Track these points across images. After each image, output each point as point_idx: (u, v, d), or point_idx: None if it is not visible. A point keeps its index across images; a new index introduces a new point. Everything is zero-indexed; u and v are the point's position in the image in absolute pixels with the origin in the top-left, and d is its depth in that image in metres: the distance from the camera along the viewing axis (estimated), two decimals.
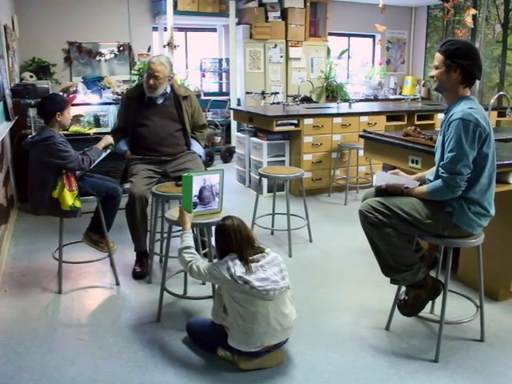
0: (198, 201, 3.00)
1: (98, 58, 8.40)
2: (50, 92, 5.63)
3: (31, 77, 7.24)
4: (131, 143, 4.03)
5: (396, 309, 2.99)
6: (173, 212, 3.13)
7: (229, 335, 2.66)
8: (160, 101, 3.98)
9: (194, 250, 2.82)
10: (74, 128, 5.34)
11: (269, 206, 4.91)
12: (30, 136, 3.59)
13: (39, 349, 2.84)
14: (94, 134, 5.09)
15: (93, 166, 3.58)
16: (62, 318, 3.24)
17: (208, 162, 7.57)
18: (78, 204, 3.42)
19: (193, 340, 2.89)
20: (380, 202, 2.75)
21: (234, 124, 8.40)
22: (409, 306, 2.89)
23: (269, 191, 6.03)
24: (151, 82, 3.83)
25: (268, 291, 2.53)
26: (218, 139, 8.41)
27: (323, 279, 3.83)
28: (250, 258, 2.61)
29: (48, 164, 3.38)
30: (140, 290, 3.61)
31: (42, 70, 7.75)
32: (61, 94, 5.04)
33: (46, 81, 7.02)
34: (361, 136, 4.31)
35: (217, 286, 2.84)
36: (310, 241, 4.59)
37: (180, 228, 2.96)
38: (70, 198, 3.37)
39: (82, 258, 3.91)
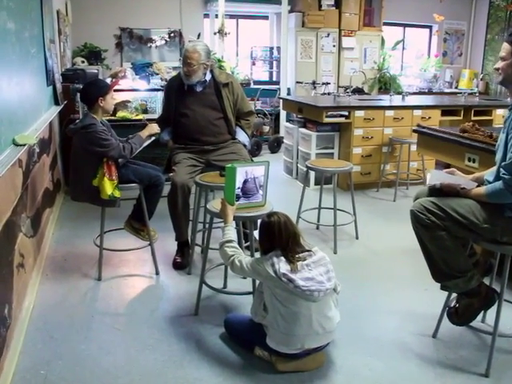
0: (240, 193, 2.90)
1: (148, 44, 8.46)
2: (100, 77, 5.63)
3: (83, 62, 7.33)
4: (174, 133, 3.99)
5: (445, 315, 2.82)
6: (214, 203, 3.04)
7: (268, 335, 2.56)
8: (199, 89, 3.90)
9: (236, 244, 2.72)
10: (121, 114, 5.34)
11: (315, 199, 4.74)
12: (74, 123, 3.57)
13: (75, 336, 2.82)
14: (145, 120, 5.03)
15: (135, 153, 3.53)
16: (100, 306, 3.22)
17: (256, 151, 7.48)
18: (117, 194, 3.38)
19: (230, 336, 2.81)
20: (434, 202, 2.57)
21: (283, 114, 8.23)
22: (459, 314, 2.71)
23: (316, 184, 5.88)
24: (185, 69, 3.79)
25: (312, 292, 2.41)
26: (267, 129, 8.31)
27: (368, 279, 3.67)
28: (296, 256, 2.50)
29: (89, 151, 3.35)
30: (179, 281, 3.55)
31: (94, 55, 7.87)
32: (108, 79, 5.05)
33: (97, 66, 7.08)
34: (414, 131, 4.13)
35: (258, 282, 2.74)
36: (357, 238, 4.42)
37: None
38: (109, 187, 3.33)
39: (123, 246, 3.88)
